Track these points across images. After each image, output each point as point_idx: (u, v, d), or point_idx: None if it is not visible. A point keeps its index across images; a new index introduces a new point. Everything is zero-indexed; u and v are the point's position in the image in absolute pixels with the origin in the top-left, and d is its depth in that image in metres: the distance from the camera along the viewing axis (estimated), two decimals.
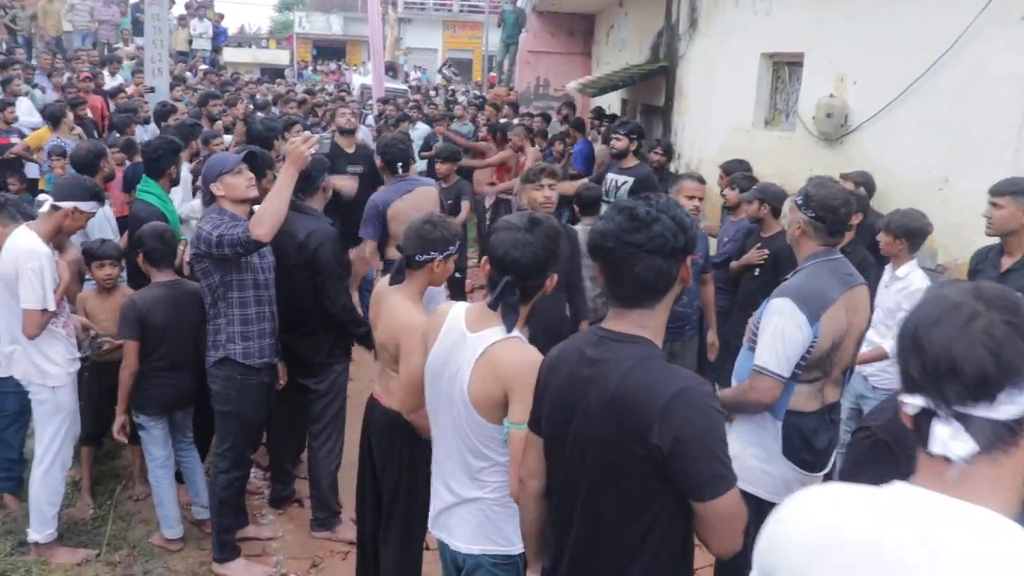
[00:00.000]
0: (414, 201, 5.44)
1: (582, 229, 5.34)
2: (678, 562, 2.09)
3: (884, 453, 2.52)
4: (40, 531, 4.31)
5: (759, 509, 3.14)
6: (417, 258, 3.28)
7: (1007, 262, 4.23)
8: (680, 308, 5.15)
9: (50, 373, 4.20)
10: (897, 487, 1.32)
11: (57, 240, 4.33)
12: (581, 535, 2.12)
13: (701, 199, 5.33)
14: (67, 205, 4.19)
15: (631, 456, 1.96)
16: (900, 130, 5.94)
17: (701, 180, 5.53)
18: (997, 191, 4.21)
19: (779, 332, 3.15)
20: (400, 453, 3.51)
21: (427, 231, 3.28)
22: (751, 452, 3.29)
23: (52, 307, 4.07)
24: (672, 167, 8.08)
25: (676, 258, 2.01)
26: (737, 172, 6.29)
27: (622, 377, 1.99)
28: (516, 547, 2.68)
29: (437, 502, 2.80)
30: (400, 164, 5.63)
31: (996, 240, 4.35)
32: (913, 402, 1.30)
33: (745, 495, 3.09)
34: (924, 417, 1.30)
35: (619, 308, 2.08)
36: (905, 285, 4.61)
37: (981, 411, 1.25)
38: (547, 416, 2.21)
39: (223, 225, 3.88)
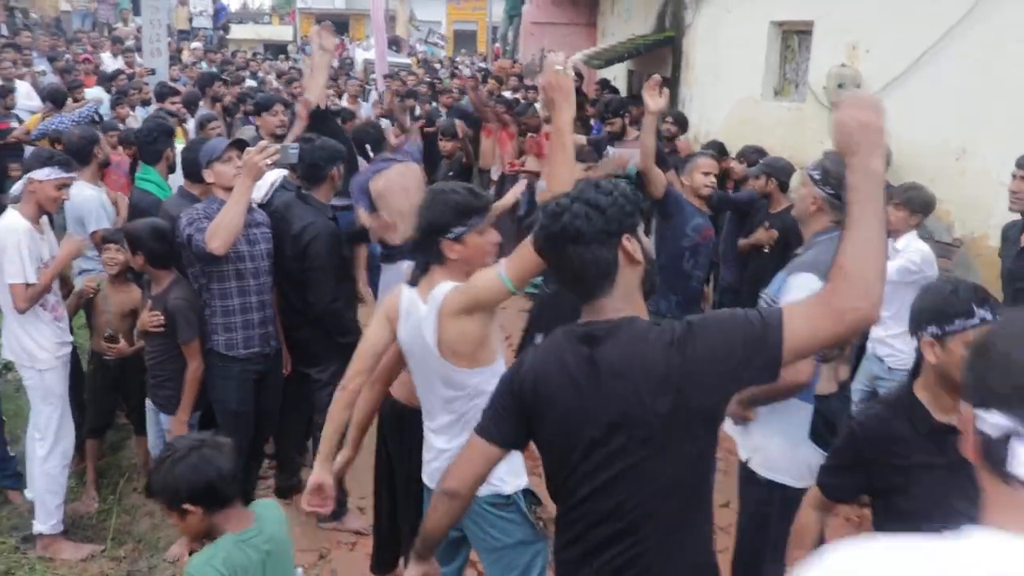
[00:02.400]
0: (394, 176, 5.41)
1: None
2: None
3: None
4: (44, 522, 4.30)
5: (784, 497, 3.10)
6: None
7: None
8: (694, 284, 5.05)
9: (37, 356, 4.23)
10: (968, 539, 1.06)
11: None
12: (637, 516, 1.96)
13: (716, 175, 5.21)
14: (24, 179, 4.20)
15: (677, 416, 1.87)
16: (915, 100, 5.78)
17: (715, 157, 5.38)
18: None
19: None
20: (408, 441, 3.44)
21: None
22: (776, 443, 3.20)
23: (33, 279, 4.08)
24: (683, 138, 7.92)
25: (602, 242, 1.92)
26: (742, 148, 6.18)
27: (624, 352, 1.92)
28: (508, 486, 2.81)
29: (428, 454, 2.99)
30: (368, 146, 5.66)
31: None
32: (994, 420, 1.10)
33: (771, 485, 3.10)
34: (1002, 439, 1.10)
35: (583, 304, 2.02)
36: (907, 258, 4.48)
37: None
38: (555, 432, 2.05)
39: (195, 224, 3.88)
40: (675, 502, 1.94)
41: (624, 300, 1.98)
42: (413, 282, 2.86)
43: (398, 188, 5.34)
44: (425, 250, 2.82)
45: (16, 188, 4.26)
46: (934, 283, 2.83)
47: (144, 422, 4.87)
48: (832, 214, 3.18)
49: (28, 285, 4.07)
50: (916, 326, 2.40)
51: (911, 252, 4.50)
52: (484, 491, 2.66)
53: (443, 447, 2.87)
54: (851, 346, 3.36)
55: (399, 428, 3.51)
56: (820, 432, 3.18)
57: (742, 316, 1.87)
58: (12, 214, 4.17)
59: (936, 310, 2.34)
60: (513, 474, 2.80)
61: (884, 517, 2.48)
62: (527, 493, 2.87)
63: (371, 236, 5.12)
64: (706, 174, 5.06)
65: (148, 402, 4.44)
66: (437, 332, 2.71)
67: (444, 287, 2.72)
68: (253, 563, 2.42)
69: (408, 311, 2.86)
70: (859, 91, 1.68)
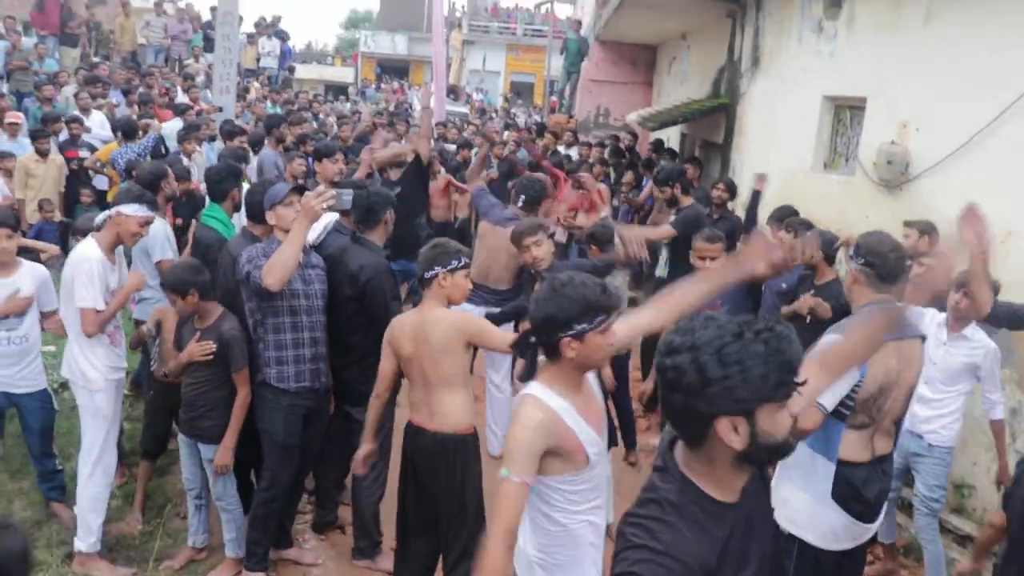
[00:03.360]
0: (500, 234, 5.65)
1: (620, 280, 5.41)
2: None
3: None
4: (84, 539, 4.46)
5: (807, 555, 3.20)
6: (425, 275, 3.67)
7: None
8: None
9: (90, 377, 4.44)
10: None
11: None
12: None
13: (714, 259, 5.04)
14: (112, 211, 4.45)
15: None
16: (963, 180, 5.82)
17: (717, 239, 5.17)
18: None
19: None
20: (453, 475, 3.70)
21: (429, 252, 3.69)
22: (800, 497, 3.34)
23: (101, 307, 4.33)
24: (729, 205, 8.02)
25: (691, 411, 1.67)
26: (789, 219, 6.25)
27: None
28: None
29: None
30: (524, 197, 5.96)
31: None
32: None
33: (793, 539, 3.23)
34: None
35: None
36: (977, 345, 4.58)
37: None
38: None
39: (254, 261, 4.08)
40: None
41: (704, 463, 1.76)
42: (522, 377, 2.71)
43: (491, 242, 5.62)
44: (542, 344, 2.61)
45: (100, 218, 4.51)
46: None
47: None
48: (870, 284, 3.38)
49: (98, 311, 4.31)
50: None
51: (977, 346, 4.60)
52: None
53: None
54: (891, 419, 3.44)
55: (440, 457, 3.70)
56: (845, 496, 3.30)
57: None
58: (90, 243, 4.42)
59: None
60: None
61: None
62: None
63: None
64: (702, 259, 5.08)
65: (181, 438, 4.57)
66: None
67: (532, 387, 2.60)
68: None
69: None
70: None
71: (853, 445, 3.34)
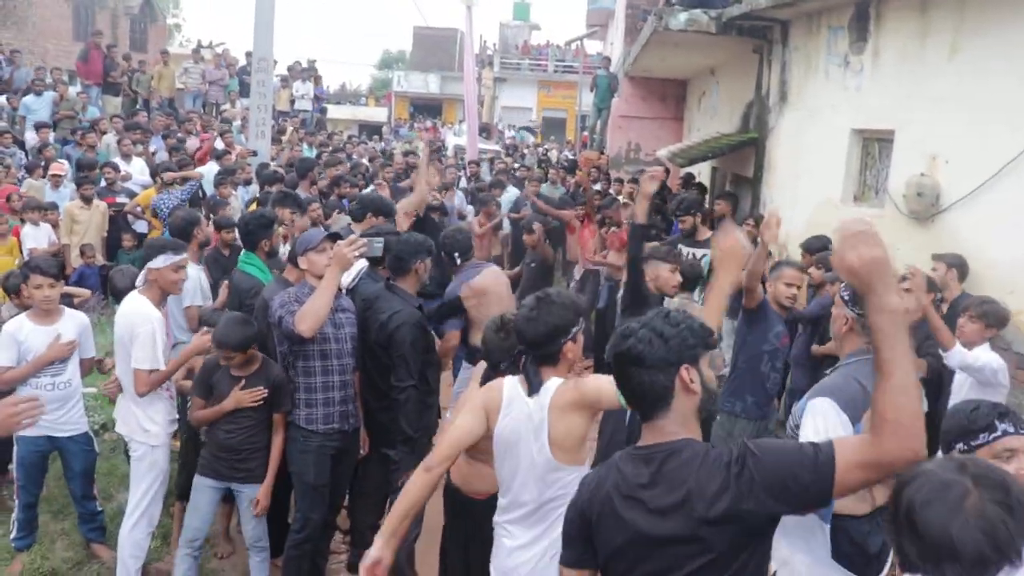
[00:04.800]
0: (490, 283, 5.53)
1: (680, 302, 5.37)
2: None
3: None
4: None
5: None
6: (502, 367, 3.52)
7: None
8: (769, 387, 5.10)
9: (151, 432, 4.47)
10: None
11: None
12: None
13: (799, 287, 5.27)
14: (144, 270, 4.48)
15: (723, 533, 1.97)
16: (994, 211, 5.80)
17: (801, 269, 5.38)
18: None
19: (823, 432, 3.10)
20: (465, 530, 3.72)
21: (501, 341, 3.57)
22: (799, 558, 3.21)
23: (161, 367, 4.37)
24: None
25: (660, 368, 2.09)
26: (821, 252, 6.26)
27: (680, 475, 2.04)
28: None
29: (501, 551, 3.08)
30: (457, 254, 5.60)
31: None
32: None
33: None
34: None
35: (644, 423, 2.18)
36: (971, 361, 4.56)
37: None
38: (614, 548, 2.16)
39: (286, 306, 4.16)
40: None
41: (680, 424, 2.12)
42: (534, 391, 2.96)
43: (494, 295, 5.45)
44: (546, 352, 2.98)
45: (139, 280, 4.53)
46: (957, 405, 2.90)
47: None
48: (863, 335, 3.27)
49: (151, 372, 4.35)
50: (946, 447, 2.53)
51: (982, 362, 4.56)
52: None
53: (513, 544, 2.99)
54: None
55: (458, 516, 3.73)
56: (846, 552, 3.17)
57: (798, 448, 1.96)
58: (142, 300, 4.41)
59: (961, 428, 2.53)
60: None
61: None
62: None
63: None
64: (789, 285, 5.14)
65: (206, 483, 4.45)
66: (548, 424, 2.86)
67: (554, 381, 2.92)
68: None
69: (511, 401, 2.99)
70: (851, 221, 1.63)
71: (851, 500, 3.15)
